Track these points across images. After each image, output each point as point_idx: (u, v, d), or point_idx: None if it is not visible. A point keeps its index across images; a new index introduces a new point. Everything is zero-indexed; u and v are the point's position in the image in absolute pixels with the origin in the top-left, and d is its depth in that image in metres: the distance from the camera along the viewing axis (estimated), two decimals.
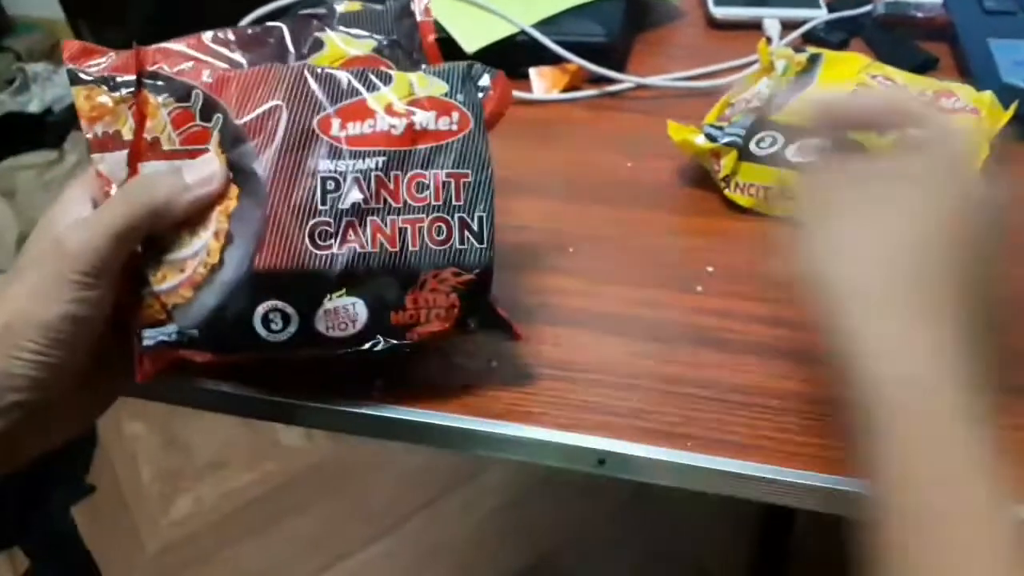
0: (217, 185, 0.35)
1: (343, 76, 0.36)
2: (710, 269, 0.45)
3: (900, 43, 0.61)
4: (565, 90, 0.60)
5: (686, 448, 0.37)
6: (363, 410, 0.39)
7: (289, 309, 0.35)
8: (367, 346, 0.36)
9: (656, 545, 1.15)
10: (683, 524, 1.16)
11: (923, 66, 0.59)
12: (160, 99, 0.36)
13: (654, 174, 0.53)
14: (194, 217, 0.35)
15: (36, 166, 1.69)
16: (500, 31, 0.60)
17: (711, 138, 0.49)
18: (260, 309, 0.35)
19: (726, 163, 0.49)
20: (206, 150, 0.36)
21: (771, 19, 0.64)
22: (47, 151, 1.72)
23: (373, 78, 0.37)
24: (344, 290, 0.35)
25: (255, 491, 1.24)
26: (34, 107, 1.98)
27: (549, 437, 0.38)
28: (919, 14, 0.62)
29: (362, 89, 0.36)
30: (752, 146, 0.48)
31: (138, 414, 1.36)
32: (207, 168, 0.35)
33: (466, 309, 0.37)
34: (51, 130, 1.85)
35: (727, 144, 0.49)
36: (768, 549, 1.03)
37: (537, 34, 0.59)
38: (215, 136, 0.35)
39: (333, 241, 0.35)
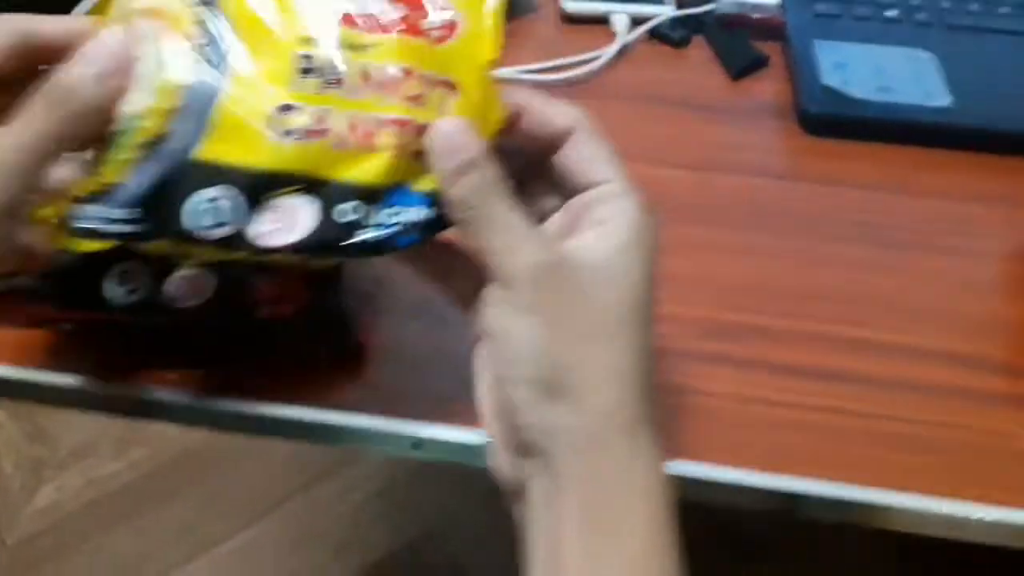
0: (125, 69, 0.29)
1: None
2: None
3: (736, 42, 0.64)
4: None
5: None
6: (186, 402, 0.39)
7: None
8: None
9: None
10: None
11: (753, 64, 0.63)
12: None
13: None
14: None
15: None
16: None
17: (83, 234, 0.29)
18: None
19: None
20: None
21: (620, 14, 0.66)
22: None
23: None
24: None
25: (123, 479, 1.20)
26: None
27: (367, 424, 0.39)
28: (756, 15, 0.65)
29: None
30: (187, 221, 0.29)
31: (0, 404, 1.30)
32: (106, 47, 0.29)
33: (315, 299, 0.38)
34: None
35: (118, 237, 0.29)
36: None
37: None
38: None
39: None
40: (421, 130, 0.30)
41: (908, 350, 0.44)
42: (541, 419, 0.29)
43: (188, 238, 0.29)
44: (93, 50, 0.29)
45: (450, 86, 0.31)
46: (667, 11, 0.67)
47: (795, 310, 0.46)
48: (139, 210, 0.28)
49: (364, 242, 0.30)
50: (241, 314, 0.38)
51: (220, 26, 0.30)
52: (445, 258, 0.33)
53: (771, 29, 0.65)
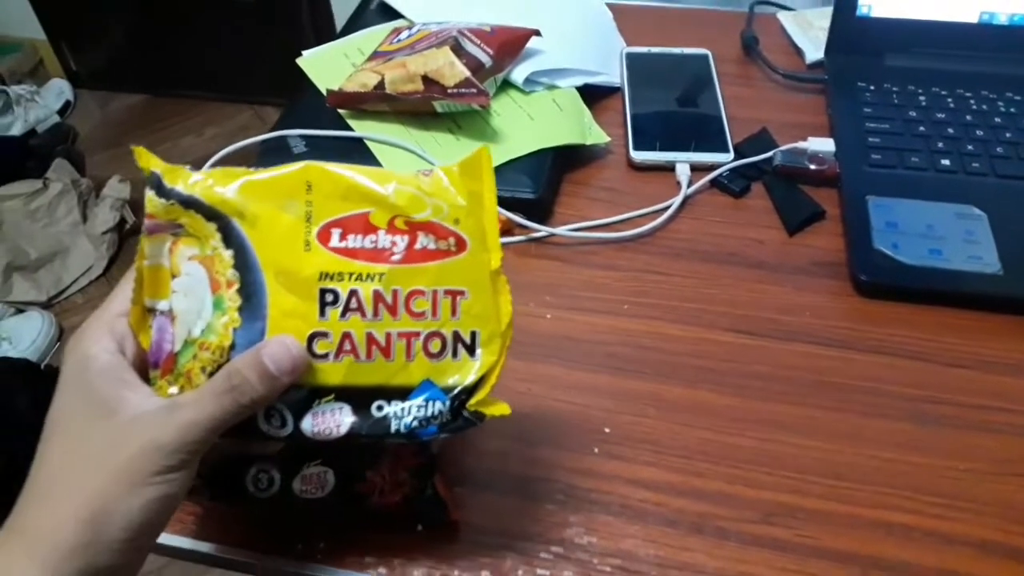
0: (302, 371, 0.38)
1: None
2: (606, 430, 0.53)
3: (793, 194, 0.69)
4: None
5: None
6: (306, 571, 0.47)
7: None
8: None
9: None
10: None
11: (809, 219, 0.67)
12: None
13: (570, 326, 0.60)
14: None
15: (21, 195, 1.75)
16: None
17: None
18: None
19: None
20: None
21: (682, 163, 0.71)
22: (31, 180, 1.77)
23: None
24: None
25: None
26: (16, 129, 2.02)
27: None
28: (812, 166, 0.69)
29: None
30: (261, 424, 0.40)
31: None
32: (289, 355, 0.38)
33: (415, 488, 0.46)
34: (35, 154, 1.90)
35: None
36: None
37: None
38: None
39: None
40: (430, 338, 0.40)
41: (943, 537, 0.48)
42: None
43: (265, 436, 0.40)
44: (278, 354, 0.37)
45: (460, 294, 0.41)
46: (728, 158, 0.72)
47: (829, 492, 0.50)
48: None
49: (398, 431, 0.40)
50: (356, 503, 0.46)
51: (252, 262, 0.39)
52: None
53: (826, 179, 0.69)
